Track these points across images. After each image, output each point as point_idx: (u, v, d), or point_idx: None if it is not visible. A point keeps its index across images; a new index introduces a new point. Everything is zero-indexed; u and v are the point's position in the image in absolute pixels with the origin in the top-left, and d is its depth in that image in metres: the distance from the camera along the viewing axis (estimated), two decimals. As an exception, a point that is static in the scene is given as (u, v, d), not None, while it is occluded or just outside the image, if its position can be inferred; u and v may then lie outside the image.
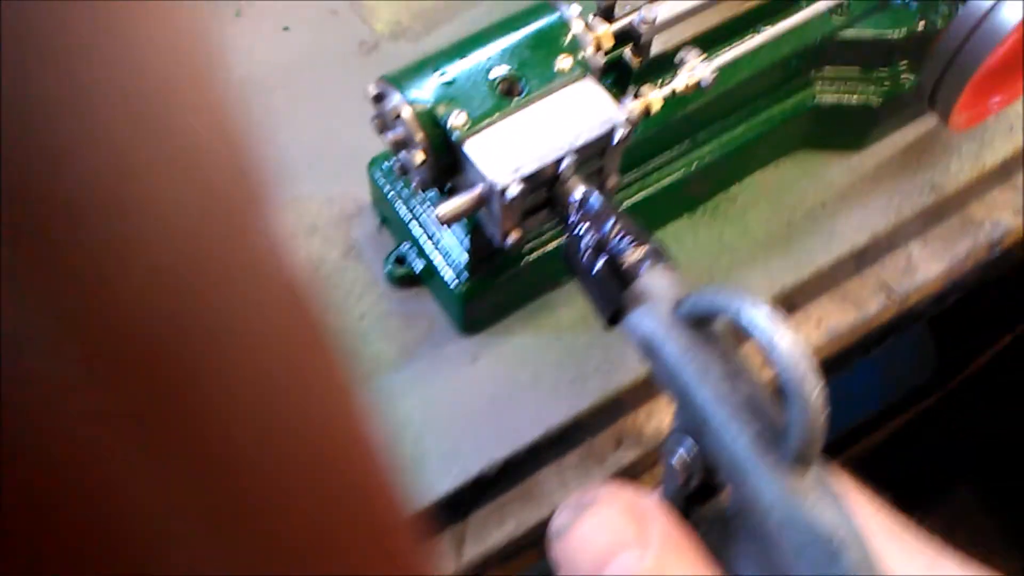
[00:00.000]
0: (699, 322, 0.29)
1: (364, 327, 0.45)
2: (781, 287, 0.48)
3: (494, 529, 0.46)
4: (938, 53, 0.41)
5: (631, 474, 0.49)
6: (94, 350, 0.11)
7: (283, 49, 0.54)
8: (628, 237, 0.32)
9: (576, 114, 0.35)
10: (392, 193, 0.44)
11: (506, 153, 0.34)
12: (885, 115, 0.48)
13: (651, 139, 0.42)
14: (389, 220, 0.46)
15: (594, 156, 0.36)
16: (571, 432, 0.46)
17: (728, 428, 0.28)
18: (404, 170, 0.37)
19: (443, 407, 0.44)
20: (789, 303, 0.52)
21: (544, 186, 0.35)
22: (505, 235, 0.37)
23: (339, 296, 0.46)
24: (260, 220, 0.14)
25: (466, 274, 0.41)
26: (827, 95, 0.47)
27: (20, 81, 0.10)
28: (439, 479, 0.42)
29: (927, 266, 0.53)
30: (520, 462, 0.44)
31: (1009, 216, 0.55)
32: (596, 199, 0.34)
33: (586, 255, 0.32)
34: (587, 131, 0.35)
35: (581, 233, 0.33)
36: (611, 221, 0.33)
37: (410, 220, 0.43)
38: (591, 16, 0.40)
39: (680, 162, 0.45)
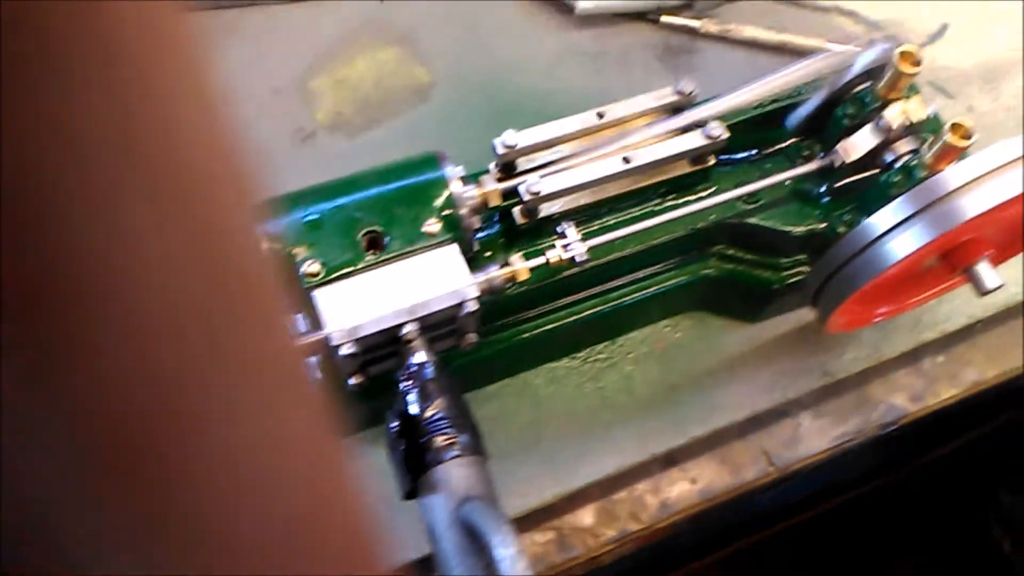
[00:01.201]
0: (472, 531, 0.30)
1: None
2: (652, 452, 0.48)
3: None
4: (825, 261, 0.41)
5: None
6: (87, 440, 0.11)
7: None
8: (445, 421, 0.33)
9: (431, 281, 0.36)
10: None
11: (351, 310, 0.35)
12: (782, 297, 0.48)
13: (529, 293, 0.42)
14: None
15: (447, 320, 0.37)
16: None
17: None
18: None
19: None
20: (668, 457, 0.52)
21: (388, 344, 0.36)
22: (348, 376, 0.37)
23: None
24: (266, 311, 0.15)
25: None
26: (725, 271, 0.47)
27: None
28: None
29: (813, 440, 0.53)
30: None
31: (906, 401, 0.55)
32: (429, 371, 0.35)
33: (396, 429, 0.33)
34: (436, 302, 0.35)
35: (403, 401, 0.34)
36: (435, 399, 0.33)
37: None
38: (485, 174, 0.41)
39: (561, 313, 0.45)
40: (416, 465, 0.32)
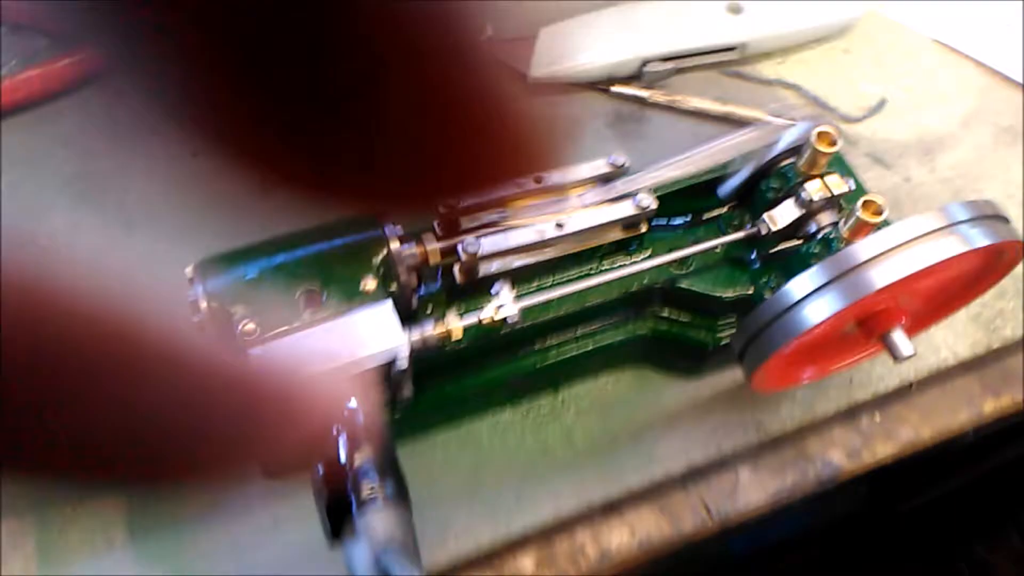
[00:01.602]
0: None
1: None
2: (588, 502, 0.50)
3: None
4: (747, 324, 0.43)
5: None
6: None
7: (184, 178, 0.57)
8: (373, 470, 0.35)
9: (365, 339, 0.38)
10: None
11: (285, 367, 0.37)
12: (717, 354, 0.50)
13: (469, 349, 0.44)
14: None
15: (381, 376, 0.39)
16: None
17: None
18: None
19: (235, 565, 0.45)
20: (609, 505, 0.53)
21: (323, 395, 0.38)
22: (286, 428, 0.39)
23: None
24: None
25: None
26: (661, 330, 0.49)
27: None
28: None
29: (752, 493, 0.55)
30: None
31: (842, 457, 0.56)
32: (360, 419, 0.36)
33: (322, 475, 0.34)
34: (368, 360, 0.37)
35: (334, 447, 0.35)
36: (363, 447, 0.35)
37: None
38: (428, 232, 0.43)
39: (503, 367, 0.47)
40: (340, 512, 0.34)
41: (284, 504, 0.47)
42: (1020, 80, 0.67)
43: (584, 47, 0.62)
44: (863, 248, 0.40)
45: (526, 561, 0.52)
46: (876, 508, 1.12)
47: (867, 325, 0.43)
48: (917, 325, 0.49)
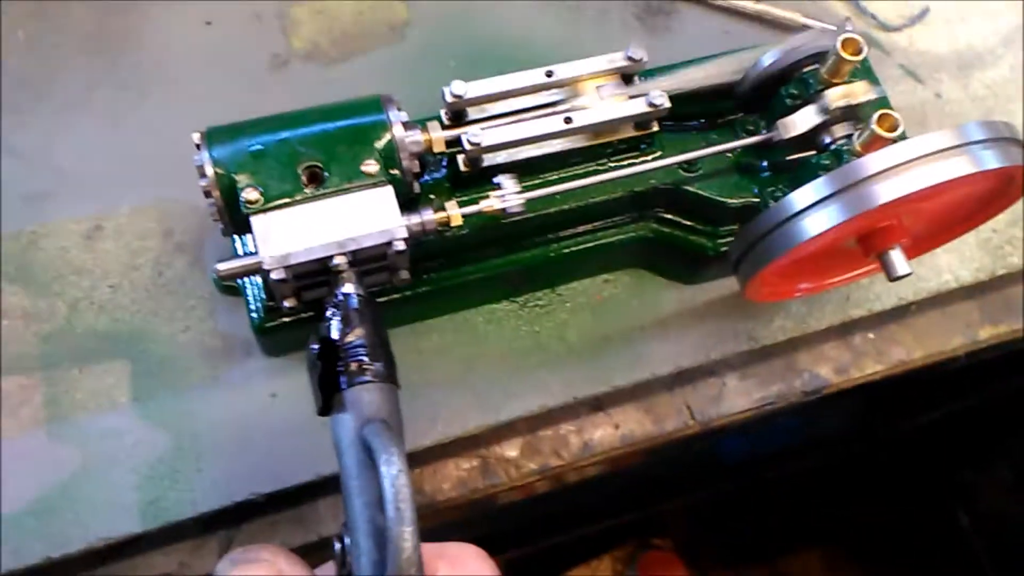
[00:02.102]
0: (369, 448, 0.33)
1: (184, 340, 0.49)
2: (575, 396, 0.51)
3: (262, 542, 0.50)
4: (746, 232, 0.43)
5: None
6: None
7: (198, 44, 0.56)
8: (363, 348, 0.36)
9: (363, 219, 0.38)
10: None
11: (285, 238, 0.37)
12: (716, 263, 0.50)
13: (470, 237, 0.45)
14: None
15: (378, 256, 0.39)
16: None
17: (360, 545, 0.32)
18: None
19: (231, 433, 0.47)
20: (595, 401, 0.55)
21: (319, 273, 0.39)
22: (282, 299, 0.40)
23: (171, 304, 0.50)
24: None
25: (262, 310, 0.45)
26: (663, 234, 0.49)
27: None
28: (206, 497, 0.46)
29: (736, 399, 0.56)
30: (290, 495, 0.48)
31: (830, 371, 0.57)
32: (354, 302, 0.37)
33: (316, 352, 0.35)
34: (365, 239, 0.38)
35: (327, 327, 0.37)
36: (355, 327, 0.36)
37: (235, 243, 0.46)
38: (434, 119, 0.43)
39: (502, 259, 0.48)
40: (330, 385, 0.35)
41: (283, 380, 0.49)
42: (1072, -2, 0.64)
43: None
44: (870, 162, 0.39)
45: (511, 448, 0.54)
46: (869, 427, 1.15)
47: (866, 241, 0.43)
48: (920, 246, 0.48)
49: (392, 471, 0.30)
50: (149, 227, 0.52)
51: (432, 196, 0.44)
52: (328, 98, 0.55)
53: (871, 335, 0.58)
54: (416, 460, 0.52)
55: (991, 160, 0.38)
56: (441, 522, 0.60)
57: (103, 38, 0.57)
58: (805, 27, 0.60)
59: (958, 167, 0.38)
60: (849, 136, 0.44)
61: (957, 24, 0.63)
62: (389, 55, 0.57)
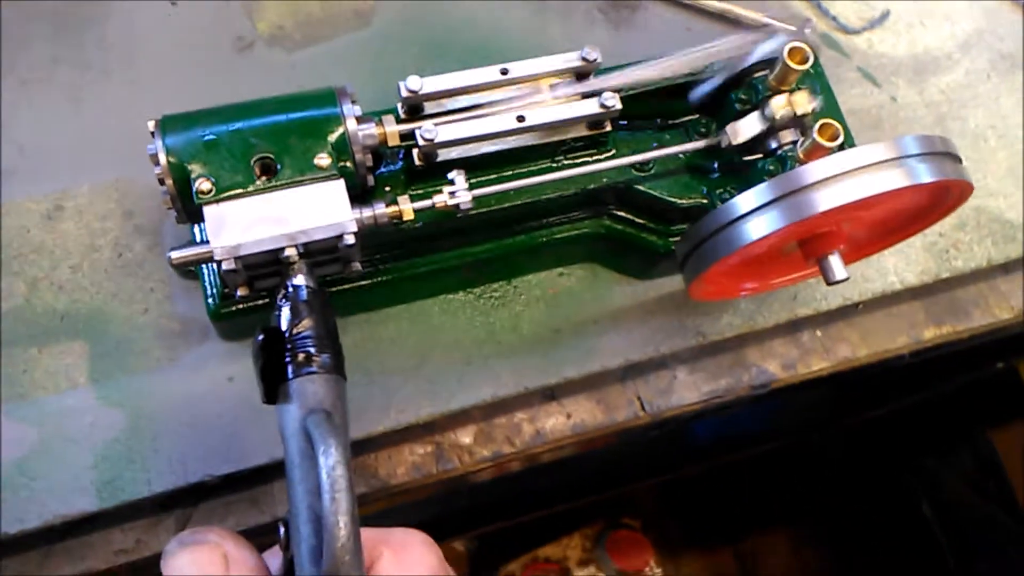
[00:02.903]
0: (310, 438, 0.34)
1: (143, 322, 0.50)
2: (526, 387, 0.53)
3: (216, 522, 0.51)
4: (692, 233, 0.44)
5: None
6: None
7: (163, 24, 0.56)
8: (310, 340, 0.37)
9: (314, 212, 0.39)
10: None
11: (237, 229, 0.38)
12: (667, 260, 0.51)
13: (424, 230, 0.46)
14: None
15: (329, 249, 0.40)
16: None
17: (300, 531, 0.33)
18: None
19: (187, 415, 0.48)
20: (548, 391, 0.56)
21: (271, 264, 0.39)
22: (234, 288, 0.41)
23: (130, 286, 0.51)
24: None
25: (218, 296, 0.46)
26: (615, 230, 0.50)
27: None
28: (161, 477, 0.47)
29: (685, 392, 0.58)
30: (245, 477, 0.49)
31: (777, 367, 0.59)
32: (303, 294, 0.38)
33: (260, 342, 0.36)
34: (315, 232, 0.38)
35: (275, 317, 0.37)
36: (303, 318, 0.37)
37: (192, 228, 0.47)
38: (390, 113, 0.43)
39: (457, 251, 0.49)
40: (275, 376, 0.36)
41: (239, 363, 0.50)
42: (1030, 7, 0.65)
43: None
44: (809, 171, 0.40)
45: (465, 435, 0.56)
46: (835, 416, 1.18)
47: (807, 246, 0.44)
48: (860, 251, 0.50)
49: (329, 462, 0.32)
50: (109, 208, 0.52)
51: (388, 188, 0.45)
52: (293, 82, 0.56)
53: (819, 332, 0.60)
54: (371, 445, 0.54)
55: (925, 174, 0.39)
56: (414, 500, 0.61)
57: (68, 15, 0.56)
58: (766, 26, 0.61)
59: (893, 180, 0.39)
60: (795, 142, 0.45)
61: (917, 28, 0.64)
62: (354, 41, 0.57)
